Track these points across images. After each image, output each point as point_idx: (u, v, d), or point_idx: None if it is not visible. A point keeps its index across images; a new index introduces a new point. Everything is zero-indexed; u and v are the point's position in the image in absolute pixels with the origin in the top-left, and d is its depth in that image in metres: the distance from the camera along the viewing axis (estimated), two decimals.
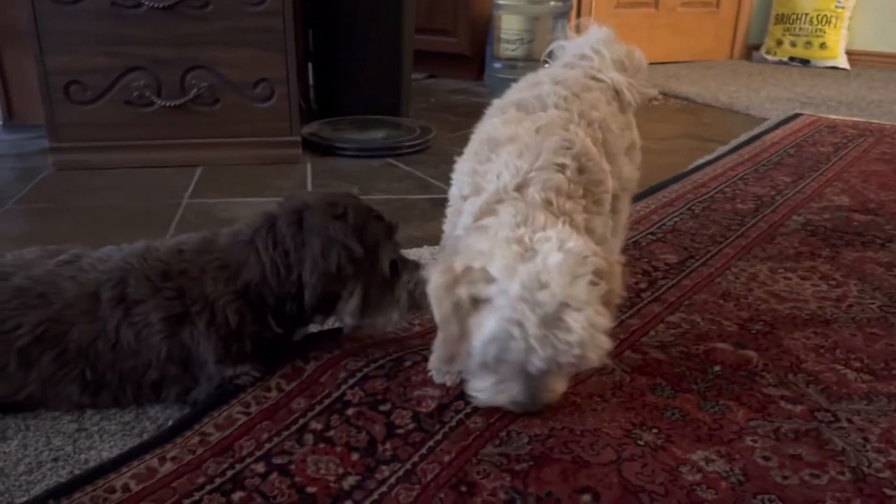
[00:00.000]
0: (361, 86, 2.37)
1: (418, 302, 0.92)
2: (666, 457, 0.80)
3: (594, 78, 1.07)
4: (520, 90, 1.05)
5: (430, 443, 0.81)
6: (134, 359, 0.87)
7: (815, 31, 3.67)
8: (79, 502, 0.72)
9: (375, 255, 0.91)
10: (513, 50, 2.95)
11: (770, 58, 3.82)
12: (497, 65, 3.03)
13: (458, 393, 0.89)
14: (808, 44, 3.70)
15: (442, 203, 1.67)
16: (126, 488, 0.74)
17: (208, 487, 0.75)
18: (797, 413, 0.88)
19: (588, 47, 1.11)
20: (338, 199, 0.92)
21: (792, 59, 3.75)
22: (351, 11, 2.32)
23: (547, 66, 1.19)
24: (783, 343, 1.04)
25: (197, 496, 0.74)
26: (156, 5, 1.81)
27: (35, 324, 0.85)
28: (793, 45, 3.75)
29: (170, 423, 0.86)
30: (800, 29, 3.71)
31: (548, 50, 1.19)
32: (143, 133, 1.91)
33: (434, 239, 1.38)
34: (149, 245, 0.93)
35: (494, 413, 0.85)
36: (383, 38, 2.36)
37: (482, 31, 3.15)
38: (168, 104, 1.89)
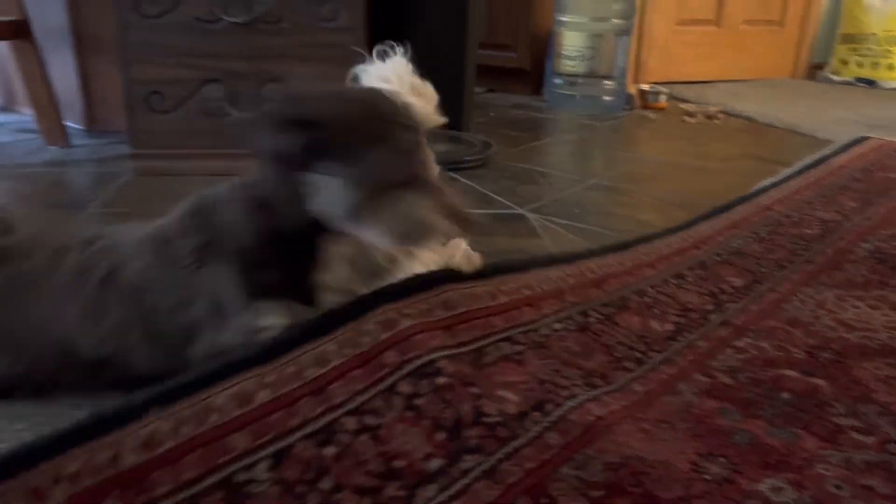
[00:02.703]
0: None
1: (432, 229, 0.84)
2: (733, 491, 0.80)
3: None
4: None
5: (515, 444, 0.83)
6: (167, 300, 0.88)
7: (884, 51, 3.60)
8: (178, 415, 0.77)
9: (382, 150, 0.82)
10: (573, 66, 2.97)
11: (835, 78, 3.76)
12: (557, 80, 3.05)
13: (536, 403, 0.91)
14: (876, 64, 3.63)
15: (504, 218, 1.71)
16: (223, 411, 0.78)
17: (301, 432, 0.78)
18: (868, 444, 0.88)
19: (390, 72, 1.17)
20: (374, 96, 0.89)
21: (858, 79, 3.69)
22: (417, 28, 2.37)
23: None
24: (853, 373, 1.04)
25: (291, 439, 0.77)
26: (234, 21, 1.88)
27: (104, 267, 0.89)
28: (859, 65, 3.69)
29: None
30: (867, 49, 3.65)
31: (351, 74, 1.25)
32: (218, 142, 1.98)
33: (495, 255, 1.41)
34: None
35: (571, 430, 0.87)
36: (448, 54, 2.41)
37: (542, 47, 3.18)
38: (244, 116, 1.96)
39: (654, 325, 1.16)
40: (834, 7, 3.76)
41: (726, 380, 1.02)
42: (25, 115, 2.58)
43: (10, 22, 2.10)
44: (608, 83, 2.99)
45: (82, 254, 0.89)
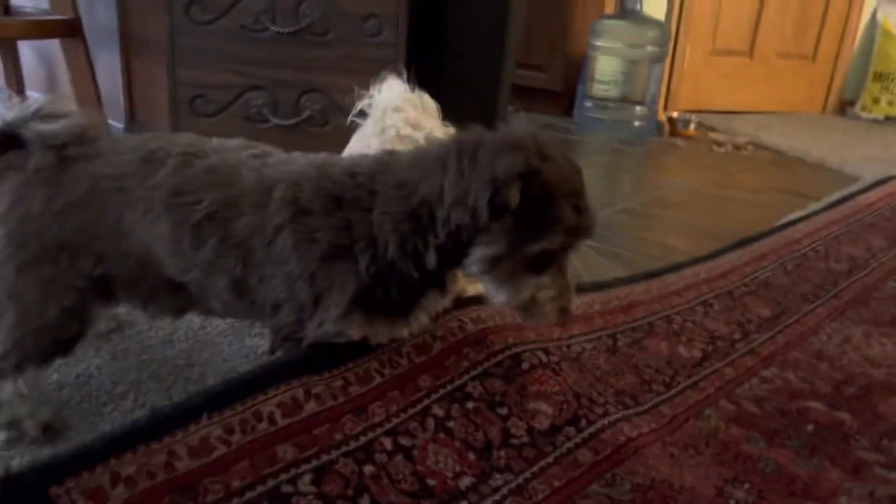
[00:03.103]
0: (460, 118, 2.46)
1: (540, 311, 0.85)
2: None
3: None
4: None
5: (542, 463, 0.86)
6: (277, 266, 0.84)
7: None
8: (228, 421, 0.79)
9: (538, 228, 0.80)
10: (606, 90, 3.00)
11: (865, 115, 3.77)
12: (588, 103, 3.08)
13: (570, 418, 0.94)
14: None
15: None
16: (272, 419, 0.81)
17: (343, 448, 0.81)
18: (893, 479, 0.90)
19: (398, 99, 1.19)
20: (555, 153, 0.81)
21: (888, 118, 3.69)
22: (454, 46, 2.41)
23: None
24: (878, 409, 1.06)
25: (334, 454, 0.80)
26: (281, 30, 1.93)
27: (210, 202, 0.84)
28: (890, 104, 3.70)
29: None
30: None
31: (363, 103, 1.23)
32: None
33: None
34: (327, 159, 0.91)
35: (602, 450, 0.89)
36: (485, 73, 2.45)
37: (575, 70, 3.22)
38: (283, 123, 2.01)
39: (682, 350, 1.18)
40: (867, 44, 3.77)
41: (752, 408, 1.04)
42: None
43: (63, 20, 2.16)
44: (639, 109, 3.02)
45: (183, 170, 0.85)
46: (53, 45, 2.45)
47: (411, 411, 0.89)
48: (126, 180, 0.85)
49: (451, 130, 1.17)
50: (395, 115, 1.16)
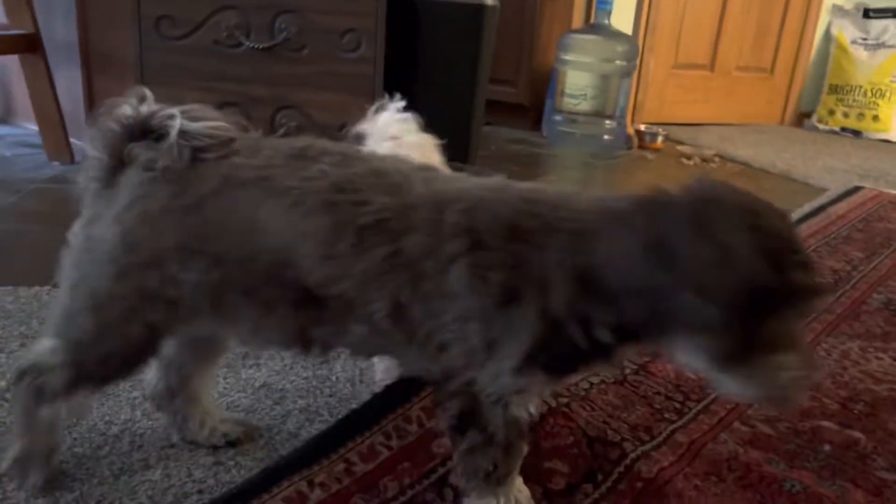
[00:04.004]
0: (435, 133, 2.44)
1: (791, 394, 0.69)
2: None
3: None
4: None
5: None
6: (448, 301, 0.71)
7: (869, 103, 3.71)
8: None
9: (776, 304, 0.64)
10: (576, 104, 3.01)
11: (821, 126, 3.86)
12: (558, 118, 3.09)
13: (586, 472, 0.91)
14: (861, 115, 3.74)
15: None
16: None
17: None
18: None
19: (395, 130, 1.13)
20: (762, 209, 0.67)
21: (843, 129, 3.79)
22: (428, 62, 2.39)
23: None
24: (888, 426, 1.06)
25: None
26: (256, 46, 1.88)
27: (382, 206, 0.71)
28: (845, 115, 3.80)
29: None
30: (853, 100, 3.76)
31: (354, 134, 1.15)
32: None
33: None
34: (502, 182, 0.77)
35: (622, 501, 0.87)
36: (458, 88, 2.43)
37: (542, 84, 3.22)
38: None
39: (689, 372, 1.17)
40: (822, 58, 3.87)
41: (766, 429, 1.03)
42: (23, 128, 2.55)
43: (22, 35, 2.08)
44: (609, 123, 3.03)
45: (345, 167, 0.74)
46: (8, 62, 2.35)
47: (426, 482, 0.86)
48: (271, 172, 0.74)
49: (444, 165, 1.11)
50: (396, 136, 1.12)
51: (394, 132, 1.13)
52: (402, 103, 1.18)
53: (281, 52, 1.91)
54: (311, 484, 0.82)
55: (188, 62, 1.89)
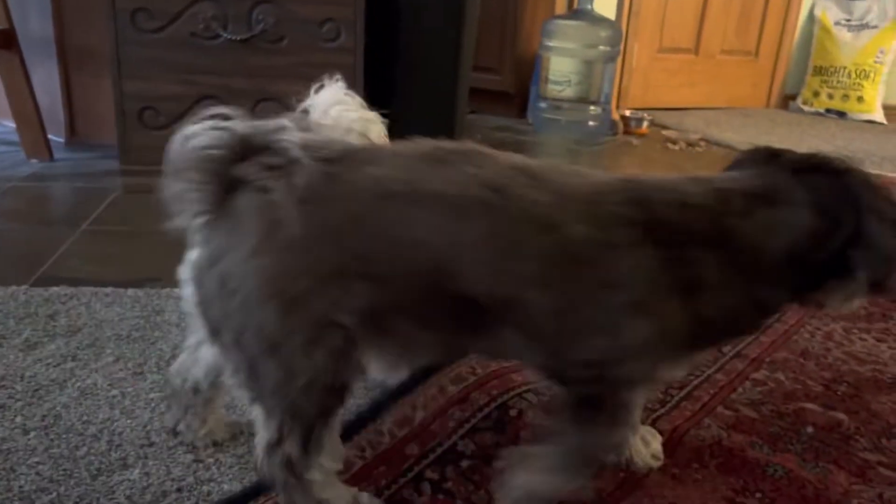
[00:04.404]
0: (417, 121, 2.42)
1: None
2: None
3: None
4: None
5: None
6: (613, 292, 0.69)
7: (853, 84, 3.71)
8: None
9: None
10: (560, 91, 3.00)
11: (806, 108, 3.86)
12: (542, 104, 3.07)
13: None
14: (846, 96, 3.74)
15: None
16: None
17: None
18: None
19: (343, 96, 1.15)
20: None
21: (828, 110, 3.79)
22: (410, 51, 2.37)
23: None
24: (871, 407, 1.06)
25: None
26: (234, 38, 1.86)
27: (537, 201, 0.69)
28: (830, 97, 3.80)
29: None
30: (838, 82, 3.76)
31: (301, 108, 1.20)
32: None
33: None
34: (625, 177, 0.77)
35: (603, 490, 0.86)
36: (442, 76, 2.41)
37: (527, 71, 3.21)
38: None
39: None
40: (806, 40, 3.87)
41: (750, 413, 1.03)
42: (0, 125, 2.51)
43: None
44: (594, 108, 3.02)
45: (489, 166, 0.71)
46: None
47: (402, 481, 0.85)
48: (416, 180, 0.69)
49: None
50: (340, 108, 1.11)
51: (336, 108, 1.14)
52: (343, 82, 1.20)
53: (259, 44, 1.89)
54: None
55: (166, 55, 1.86)
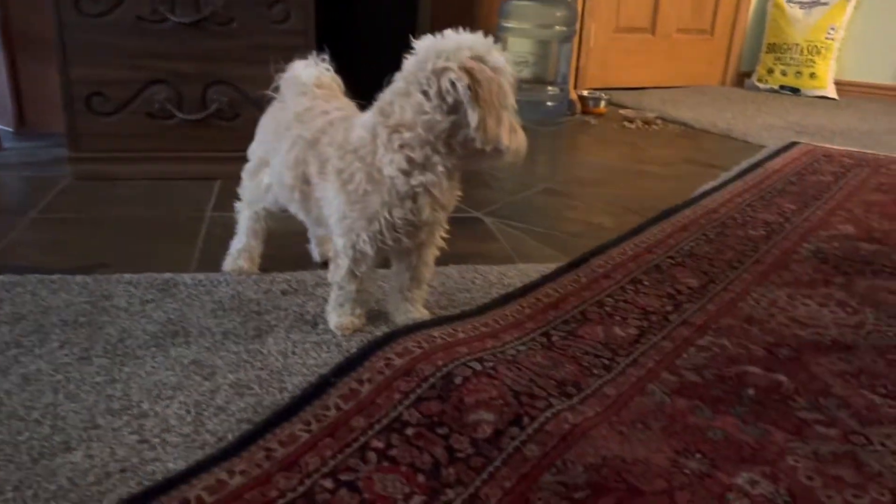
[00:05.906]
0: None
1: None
2: (713, 484, 0.83)
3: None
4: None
5: (490, 468, 0.83)
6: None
7: (806, 60, 3.78)
8: None
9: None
10: (518, 71, 3.00)
11: (761, 85, 3.92)
12: None
13: (513, 419, 0.92)
14: (799, 73, 3.80)
15: (461, 221, 1.70)
16: (200, 500, 0.76)
17: (280, 501, 0.77)
18: (832, 436, 0.92)
19: (312, 66, 1.35)
20: None
21: (782, 87, 3.85)
22: (364, 33, 2.36)
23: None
24: (810, 368, 1.09)
25: None
26: (181, 21, 1.83)
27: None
28: (783, 73, 3.86)
29: (229, 437, 0.89)
30: (791, 58, 3.82)
31: (278, 79, 1.37)
32: (163, 145, 1.92)
33: (457, 258, 1.42)
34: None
35: (549, 441, 0.88)
36: (397, 58, 2.40)
37: None
38: (189, 118, 1.91)
39: (618, 331, 1.18)
40: (760, 17, 3.92)
41: (694, 377, 1.05)
42: None
43: None
44: (551, 89, 3.04)
45: None
46: None
47: (348, 451, 0.85)
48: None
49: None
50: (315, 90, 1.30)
51: (305, 75, 1.31)
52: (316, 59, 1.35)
53: (208, 27, 1.87)
54: (231, 473, 0.80)
55: (112, 40, 1.83)
